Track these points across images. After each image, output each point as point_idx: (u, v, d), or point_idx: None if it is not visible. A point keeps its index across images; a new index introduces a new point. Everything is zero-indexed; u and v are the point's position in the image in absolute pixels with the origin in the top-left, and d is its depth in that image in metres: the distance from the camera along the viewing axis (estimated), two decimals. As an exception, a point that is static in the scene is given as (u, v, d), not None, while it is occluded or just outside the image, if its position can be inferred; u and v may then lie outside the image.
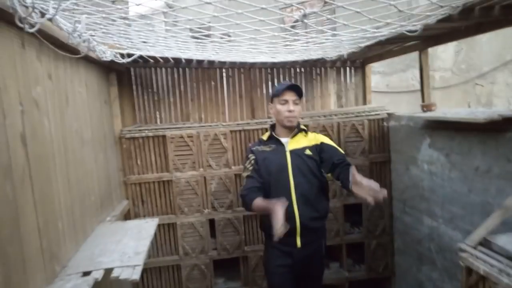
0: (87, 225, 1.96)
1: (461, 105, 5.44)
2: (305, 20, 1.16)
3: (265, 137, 2.32)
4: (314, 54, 2.44)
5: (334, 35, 1.45)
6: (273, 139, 2.25)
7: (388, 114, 3.16)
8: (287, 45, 1.77)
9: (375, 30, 1.45)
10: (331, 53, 2.35)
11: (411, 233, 2.96)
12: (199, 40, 1.59)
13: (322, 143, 2.26)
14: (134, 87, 3.32)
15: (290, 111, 2.17)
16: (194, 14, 1.35)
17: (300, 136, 2.28)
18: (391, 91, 5.38)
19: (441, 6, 1.26)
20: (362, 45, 2.03)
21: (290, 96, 2.16)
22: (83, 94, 2.07)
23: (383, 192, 1.65)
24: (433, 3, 1.21)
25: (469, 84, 5.51)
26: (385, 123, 3.17)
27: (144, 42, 1.65)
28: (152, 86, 3.37)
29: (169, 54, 2.23)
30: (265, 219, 2.23)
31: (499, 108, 5.25)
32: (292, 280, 2.22)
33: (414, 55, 3.02)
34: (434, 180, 2.62)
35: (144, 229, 2.12)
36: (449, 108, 2.88)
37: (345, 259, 3.25)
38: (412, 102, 5.40)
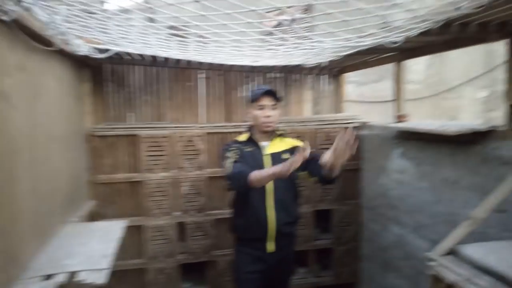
0: (52, 226, 1.87)
1: (430, 117, 5.63)
2: (295, 25, 1.16)
3: (242, 138, 2.26)
4: (295, 60, 2.45)
5: (319, 41, 1.47)
6: (251, 142, 2.21)
7: (361, 123, 3.22)
8: (271, 49, 1.76)
9: (359, 40, 1.48)
10: (312, 60, 2.38)
11: (378, 240, 3.02)
12: (183, 39, 1.56)
13: (297, 147, 2.26)
14: (107, 84, 3.23)
15: (267, 116, 2.14)
16: (175, 11, 1.32)
17: (279, 140, 2.27)
18: (363, 100, 5.50)
19: (426, 20, 1.29)
20: (343, 54, 2.06)
21: (267, 101, 2.14)
22: (55, 88, 1.99)
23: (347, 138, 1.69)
24: (417, 17, 1.25)
25: (438, 97, 5.73)
26: (358, 132, 3.22)
27: (124, 37, 1.59)
28: (127, 84, 3.29)
29: (149, 52, 2.17)
30: (237, 221, 2.23)
31: (466, 121, 5.48)
32: (261, 286, 2.21)
33: (387, 66, 3.10)
34: (403, 189, 2.68)
35: (112, 231, 2.05)
36: (418, 119, 2.96)
37: (313, 264, 3.28)
38: (384, 112, 5.54)
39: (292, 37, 1.41)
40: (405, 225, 2.67)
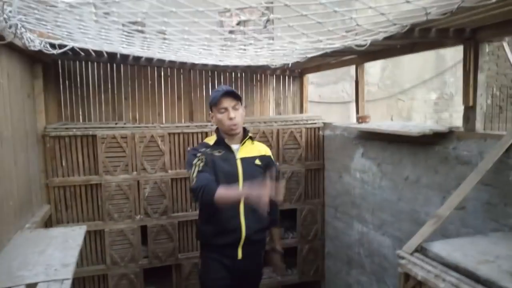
0: (3, 234, 1.72)
1: (385, 118, 5.85)
2: (268, 26, 1.14)
3: (211, 141, 2.13)
4: (262, 61, 2.43)
5: (292, 42, 1.46)
6: (221, 145, 2.09)
7: (324, 123, 3.27)
8: (241, 48, 1.73)
9: (330, 42, 1.49)
10: (278, 61, 2.37)
11: (342, 238, 3.08)
12: (145, 34, 1.49)
13: (270, 158, 2.23)
14: (61, 81, 3.04)
15: (231, 118, 2.02)
16: (130, 7, 1.26)
17: (249, 143, 2.17)
18: (323, 101, 5.61)
19: (394, 24, 1.32)
20: (310, 55, 2.07)
21: (228, 103, 2.02)
22: (4, 85, 1.83)
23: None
24: (389, 20, 1.27)
25: (393, 99, 5.97)
26: (321, 132, 3.27)
27: (84, 33, 1.49)
28: (82, 82, 3.12)
29: (109, 48, 2.06)
30: (204, 227, 2.12)
31: (423, 123, 5.79)
32: None
33: (345, 69, 3.19)
34: (366, 188, 2.76)
35: (71, 238, 1.93)
36: (375, 120, 3.06)
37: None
38: (342, 113, 5.70)
39: (265, 37, 1.39)
40: (368, 223, 2.74)
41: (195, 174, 1.93)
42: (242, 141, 2.13)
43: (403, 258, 1.51)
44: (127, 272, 2.83)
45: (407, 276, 1.48)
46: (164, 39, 1.53)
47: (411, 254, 1.51)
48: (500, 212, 1.75)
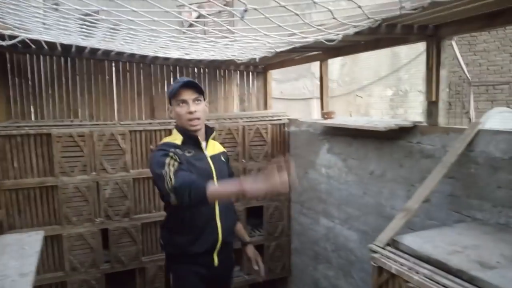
0: None
1: (344, 114, 6.00)
2: (245, 18, 1.09)
3: (177, 141, 1.86)
4: (230, 55, 2.38)
5: (267, 35, 1.42)
6: (190, 144, 1.87)
7: (289, 119, 3.27)
8: (211, 41, 1.67)
9: (304, 36, 1.46)
10: (247, 55, 2.32)
11: (308, 233, 3.11)
12: (112, 26, 1.39)
13: (228, 155, 2.13)
14: (9, 76, 2.82)
15: (191, 112, 1.80)
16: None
17: (211, 141, 2.01)
18: (284, 97, 5.64)
19: (368, 18, 1.33)
20: (279, 50, 2.04)
21: (188, 95, 1.81)
22: None
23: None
24: (364, 14, 1.27)
25: (351, 95, 6.13)
26: (286, 128, 3.27)
27: (39, 22, 1.37)
28: (33, 76, 2.91)
29: (66, 40, 1.92)
30: (177, 237, 1.88)
31: (377, 117, 5.97)
32: None
33: (306, 66, 3.21)
34: (332, 183, 2.79)
35: (27, 244, 1.79)
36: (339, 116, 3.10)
37: (245, 262, 3.26)
38: (303, 109, 5.76)
39: (239, 29, 1.34)
40: (334, 217, 2.77)
41: (171, 174, 1.65)
42: (206, 139, 1.96)
43: (375, 252, 1.53)
44: (88, 278, 2.68)
45: (380, 270, 1.49)
46: (131, 30, 1.44)
47: (383, 247, 1.53)
48: (463, 204, 1.82)
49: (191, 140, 1.87)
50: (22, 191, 2.49)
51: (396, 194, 2.22)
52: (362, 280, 2.51)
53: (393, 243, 1.54)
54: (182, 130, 1.89)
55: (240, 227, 2.20)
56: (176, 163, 1.71)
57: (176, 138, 1.89)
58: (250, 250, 2.16)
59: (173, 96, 1.84)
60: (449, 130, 1.90)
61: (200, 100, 1.85)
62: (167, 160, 1.70)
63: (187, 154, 1.83)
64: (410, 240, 1.50)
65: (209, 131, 1.98)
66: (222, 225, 1.89)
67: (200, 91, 1.86)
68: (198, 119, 1.84)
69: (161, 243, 2.00)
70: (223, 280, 2.05)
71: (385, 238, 1.57)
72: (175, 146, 1.83)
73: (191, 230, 1.84)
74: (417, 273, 1.34)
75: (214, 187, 1.58)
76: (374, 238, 1.59)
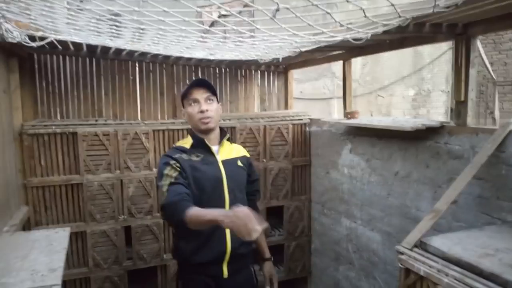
0: (-19, 239, 1.61)
1: (365, 114, 5.92)
2: (276, 16, 1.09)
3: (187, 144, 1.79)
4: (253, 55, 2.37)
5: (295, 34, 1.41)
6: (199, 147, 1.78)
7: (311, 119, 3.25)
8: (239, 41, 1.67)
9: (333, 35, 1.45)
10: (270, 55, 2.32)
11: (329, 234, 3.08)
12: (142, 26, 1.41)
13: (251, 160, 1.98)
14: (36, 76, 2.89)
15: (202, 111, 1.73)
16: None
17: (227, 143, 1.88)
18: (304, 97, 5.61)
19: (399, 16, 1.30)
20: (304, 49, 2.03)
21: (200, 94, 1.74)
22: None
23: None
24: (396, 12, 1.25)
25: (372, 95, 6.05)
26: (307, 128, 3.25)
27: (70, 23, 1.40)
28: (59, 77, 2.97)
29: (95, 41, 1.95)
30: (182, 244, 1.76)
31: (400, 117, 5.89)
32: None
33: (327, 65, 3.17)
34: (354, 184, 2.75)
35: (55, 241, 1.83)
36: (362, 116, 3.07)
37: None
38: (323, 109, 5.72)
39: (267, 28, 1.34)
40: (356, 218, 2.74)
41: (165, 188, 1.61)
42: (220, 142, 1.84)
43: (402, 253, 1.50)
44: (111, 275, 2.72)
45: (407, 271, 1.47)
46: (160, 30, 1.45)
47: (411, 249, 1.50)
48: (493, 206, 1.77)
49: (200, 144, 1.79)
50: (48, 188, 2.55)
51: (422, 195, 2.17)
52: (385, 282, 2.47)
53: (420, 245, 1.51)
54: (193, 133, 1.84)
55: (261, 239, 2.03)
56: (175, 173, 1.66)
57: (187, 141, 1.83)
58: (267, 268, 2.02)
59: (185, 96, 1.79)
60: (478, 131, 1.86)
61: (213, 100, 1.78)
62: (166, 170, 1.66)
63: (195, 159, 1.75)
64: (439, 242, 1.47)
65: (222, 133, 1.88)
66: (231, 233, 1.65)
67: (212, 91, 1.79)
68: (210, 117, 1.75)
69: (172, 248, 1.94)
70: None
71: (412, 240, 1.54)
72: (182, 150, 1.78)
73: (197, 237, 1.70)
74: (447, 275, 1.31)
75: (194, 211, 1.49)
76: (398, 239, 1.57)
